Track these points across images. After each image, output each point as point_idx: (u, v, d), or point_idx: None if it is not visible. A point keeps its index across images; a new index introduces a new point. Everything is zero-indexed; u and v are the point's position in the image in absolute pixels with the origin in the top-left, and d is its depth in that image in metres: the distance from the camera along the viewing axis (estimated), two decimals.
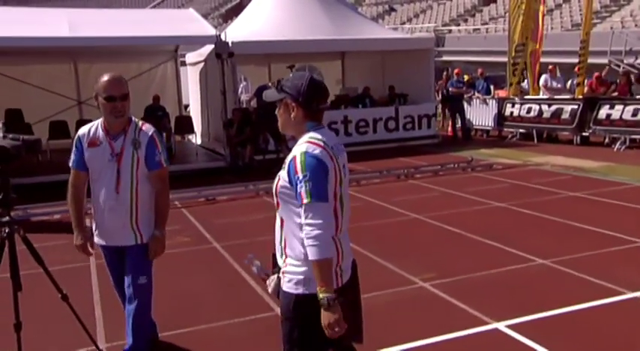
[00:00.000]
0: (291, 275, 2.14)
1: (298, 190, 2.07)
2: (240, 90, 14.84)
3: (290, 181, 2.10)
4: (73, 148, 2.99)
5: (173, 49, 13.50)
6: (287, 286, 2.14)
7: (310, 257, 2.03)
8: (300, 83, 2.17)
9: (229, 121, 10.67)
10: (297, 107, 2.18)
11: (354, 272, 2.31)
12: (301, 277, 2.13)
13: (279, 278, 2.26)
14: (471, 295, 4.29)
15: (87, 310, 4.06)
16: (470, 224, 6.24)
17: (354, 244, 5.59)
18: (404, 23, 32.42)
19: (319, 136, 2.18)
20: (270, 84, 10.96)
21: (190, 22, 10.87)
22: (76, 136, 2.99)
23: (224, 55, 10.33)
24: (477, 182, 8.65)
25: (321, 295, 2.01)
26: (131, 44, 10.60)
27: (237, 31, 12.26)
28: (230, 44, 10.44)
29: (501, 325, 3.76)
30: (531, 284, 4.52)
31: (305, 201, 2.04)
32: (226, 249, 5.69)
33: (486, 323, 3.80)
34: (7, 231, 2.38)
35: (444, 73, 15.89)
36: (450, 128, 14.24)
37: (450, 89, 13.88)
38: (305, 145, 2.13)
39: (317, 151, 2.11)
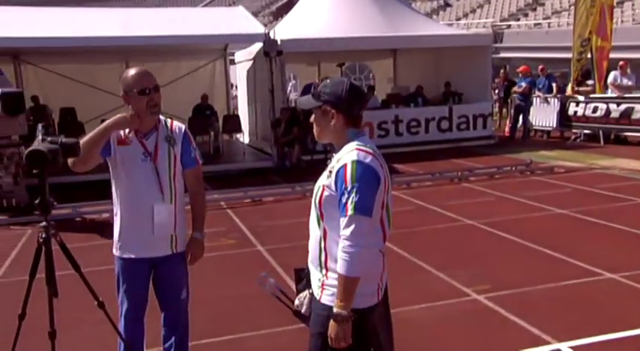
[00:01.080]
0: (334, 289, 2.06)
1: (343, 201, 2.01)
2: (288, 89, 14.88)
3: (337, 191, 2.04)
4: None
5: (222, 47, 13.63)
6: (328, 300, 2.08)
7: (339, 270, 2.00)
8: (340, 89, 2.12)
9: (277, 120, 10.66)
10: (338, 114, 2.12)
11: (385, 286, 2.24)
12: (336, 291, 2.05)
13: (311, 295, 2.17)
14: (530, 310, 4.04)
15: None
16: (528, 232, 5.93)
17: (402, 250, 5.41)
18: (459, 19, 31.68)
19: (367, 144, 2.11)
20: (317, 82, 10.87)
21: (239, 20, 10.94)
22: None
23: (272, 53, 10.34)
24: (537, 186, 8.28)
25: (336, 310, 2.00)
26: (181, 43, 10.74)
27: (286, 29, 12.24)
28: (279, 42, 10.42)
29: (564, 346, 3.50)
30: (598, 301, 4.20)
31: (349, 213, 1.99)
32: (271, 253, 5.63)
33: (547, 343, 3.55)
34: (43, 236, 2.35)
35: (502, 70, 15.35)
36: (507, 128, 13.73)
37: (515, 89, 13.37)
38: (355, 152, 2.06)
39: (369, 159, 2.05)
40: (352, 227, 1.98)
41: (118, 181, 2.77)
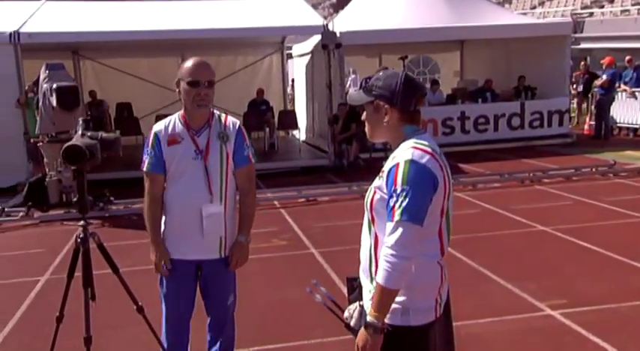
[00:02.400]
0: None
1: (391, 204, 1.88)
2: (348, 83, 14.73)
3: (388, 193, 1.91)
4: (148, 149, 2.68)
5: (279, 40, 13.67)
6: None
7: (377, 278, 1.89)
8: (394, 82, 1.98)
9: (335, 116, 10.56)
10: (392, 109, 1.99)
11: (447, 300, 2.11)
12: (398, 306, 1.94)
13: (362, 307, 2.05)
14: (615, 331, 3.73)
15: None
16: (612, 241, 5.54)
17: (465, 257, 5.16)
18: (534, 7, 30.48)
19: (425, 142, 1.96)
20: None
21: (297, 12, 10.89)
22: (152, 134, 2.68)
23: (331, 45, 10.23)
24: (621, 190, 7.78)
25: (369, 319, 1.90)
26: (237, 36, 10.83)
27: (346, 21, 12.11)
28: (337, 34, 10.30)
29: None
30: None
31: (396, 218, 1.86)
32: (324, 256, 5.52)
33: None
34: (81, 235, 2.33)
35: (582, 62, 14.57)
36: (586, 126, 13.03)
37: (597, 82, 12.66)
38: (410, 151, 1.92)
39: (425, 159, 1.91)
40: (397, 235, 1.85)
41: (170, 180, 2.72)
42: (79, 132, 2.40)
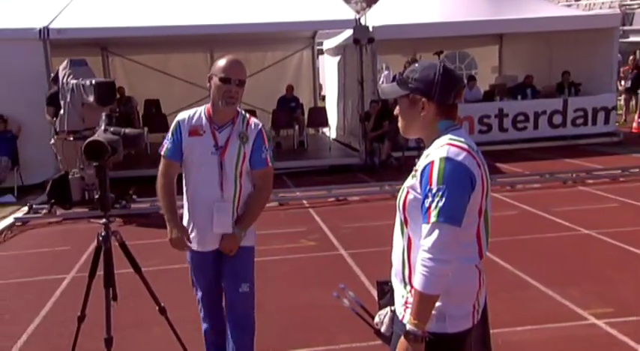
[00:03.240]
0: None
1: (426, 205, 1.81)
2: (380, 80, 14.61)
3: (422, 193, 1.85)
4: (169, 135, 2.83)
5: (310, 35, 13.66)
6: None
7: (415, 284, 1.83)
8: (432, 73, 1.90)
9: (366, 113, 10.49)
10: (429, 103, 1.91)
11: (485, 306, 2.05)
12: (434, 312, 1.87)
13: (393, 312, 2.00)
14: None
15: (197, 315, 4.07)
16: None
17: (503, 261, 5.03)
18: None
19: (461, 139, 1.89)
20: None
21: (329, 6, 10.84)
22: (175, 122, 2.83)
23: (363, 40, 10.15)
24: None
25: (409, 327, 1.84)
26: (267, 30, 10.85)
27: (379, 15, 12.01)
28: (370, 29, 10.22)
29: None
30: None
31: (432, 219, 1.79)
32: (353, 257, 5.47)
33: None
34: (102, 233, 2.33)
35: (631, 57, 14.16)
36: (635, 124, 12.65)
37: None
38: (445, 148, 1.85)
39: (461, 156, 1.83)
40: (434, 237, 1.79)
41: (187, 173, 2.85)
42: (102, 127, 2.40)
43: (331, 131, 13.18)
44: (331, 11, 10.61)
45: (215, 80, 2.71)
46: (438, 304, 1.87)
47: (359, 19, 10.25)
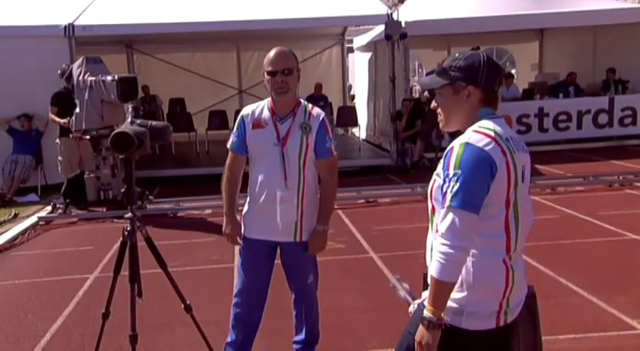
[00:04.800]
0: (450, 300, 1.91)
1: (444, 190, 1.85)
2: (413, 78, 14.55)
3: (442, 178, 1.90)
4: (234, 129, 3.03)
5: (340, 32, 13.69)
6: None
7: (430, 271, 1.87)
8: (477, 60, 1.94)
9: (398, 112, 10.45)
10: (475, 90, 1.94)
11: (531, 307, 2.05)
12: (455, 305, 1.90)
13: (422, 302, 2.00)
14: None
15: (222, 317, 4.10)
16: None
17: (544, 266, 4.94)
18: None
19: (490, 125, 1.90)
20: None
21: (359, 1, 10.85)
22: (239, 117, 3.02)
23: (395, 36, 10.13)
24: None
25: (425, 313, 1.87)
26: (296, 26, 10.91)
27: (412, 10, 11.95)
28: (403, 24, 10.19)
29: None
30: None
31: (447, 204, 1.82)
32: (384, 260, 5.45)
33: None
34: (128, 228, 2.37)
35: None
36: None
37: None
38: (469, 133, 1.89)
39: (483, 142, 1.85)
40: (448, 222, 1.81)
41: (252, 165, 3.02)
42: (129, 119, 2.45)
43: (361, 131, 13.17)
44: (362, 6, 10.62)
45: (265, 74, 2.91)
46: (458, 296, 1.89)
47: (391, 14, 10.23)
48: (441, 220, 1.84)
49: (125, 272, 2.73)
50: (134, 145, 2.30)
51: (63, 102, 7.96)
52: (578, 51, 13.31)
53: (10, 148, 8.95)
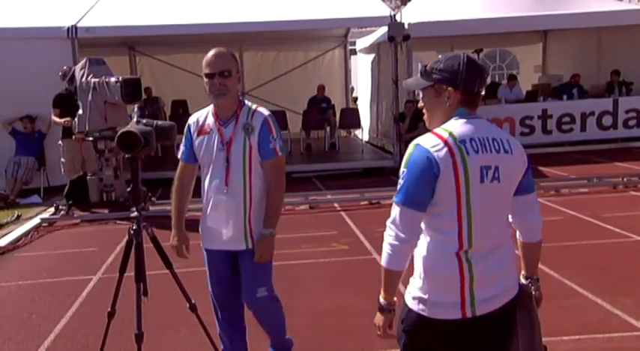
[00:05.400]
0: (410, 286, 2.09)
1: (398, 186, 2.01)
2: None
3: None
4: (183, 139, 2.96)
5: (343, 34, 13.71)
6: (406, 295, 2.11)
7: (381, 261, 2.04)
8: (456, 63, 2.03)
9: (401, 114, 10.47)
10: (455, 92, 2.03)
11: (514, 304, 2.10)
12: (419, 294, 2.05)
13: None
14: None
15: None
16: None
17: (550, 268, 4.94)
18: None
19: (450, 128, 2.00)
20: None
21: (362, 3, 10.88)
22: (187, 125, 2.95)
23: (398, 38, 10.14)
24: None
25: (380, 299, 2.07)
26: (298, 28, 10.93)
27: (415, 11, 11.98)
28: (406, 26, 10.20)
29: None
30: None
31: (394, 199, 1.99)
32: None
33: None
34: (134, 227, 2.38)
35: None
36: None
37: None
38: (426, 135, 2.02)
39: (431, 144, 1.96)
40: (393, 216, 1.98)
41: (202, 173, 2.94)
42: (134, 119, 2.47)
43: (363, 133, 13.18)
44: (365, 8, 10.64)
45: (203, 77, 2.83)
46: (419, 284, 2.04)
47: (394, 15, 10.24)
48: (391, 213, 2.00)
49: (129, 273, 2.75)
50: (140, 145, 2.31)
51: (65, 104, 7.98)
52: (582, 53, 13.31)
53: (13, 149, 8.98)
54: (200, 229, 2.96)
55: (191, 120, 2.96)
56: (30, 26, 9.17)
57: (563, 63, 13.59)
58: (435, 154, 1.93)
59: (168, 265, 2.50)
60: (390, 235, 1.98)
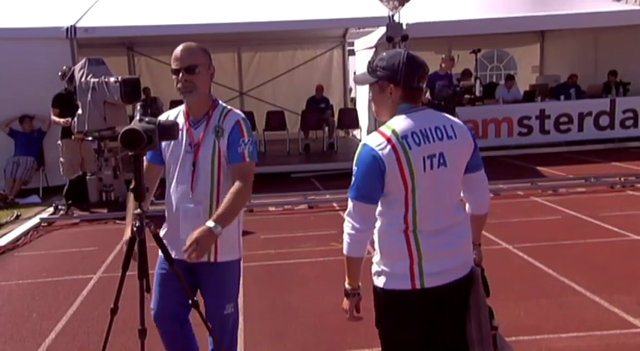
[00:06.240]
0: (373, 264, 2.30)
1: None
2: None
3: None
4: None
5: (341, 34, 13.74)
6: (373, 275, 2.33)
7: (343, 250, 2.23)
8: (396, 60, 2.19)
9: None
10: (396, 88, 2.20)
11: (467, 283, 2.29)
12: (376, 268, 2.28)
13: None
14: None
15: None
16: None
17: (547, 267, 4.96)
18: None
19: (394, 124, 2.18)
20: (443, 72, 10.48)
21: (360, 3, 10.91)
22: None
23: (397, 38, 10.15)
24: None
25: (345, 285, 2.28)
26: (297, 28, 10.96)
27: (413, 12, 12.01)
28: (404, 26, 10.23)
29: None
30: None
31: (349, 194, 2.18)
32: None
33: None
34: (137, 224, 2.40)
35: None
36: None
37: None
38: (373, 134, 2.19)
39: (376, 142, 2.14)
40: (348, 209, 2.19)
41: (166, 175, 2.75)
42: (137, 117, 2.48)
43: (362, 133, 13.20)
44: (363, 8, 10.67)
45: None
46: (376, 259, 2.26)
47: (392, 16, 10.27)
48: (348, 207, 2.19)
49: (130, 272, 2.76)
50: (144, 142, 2.33)
51: (64, 103, 8.00)
52: (579, 53, 13.36)
53: (12, 149, 8.99)
54: (163, 238, 2.66)
55: (161, 118, 2.72)
56: (29, 26, 9.17)
57: (561, 63, 13.64)
58: (380, 152, 2.12)
59: (170, 261, 2.52)
60: (347, 226, 2.18)
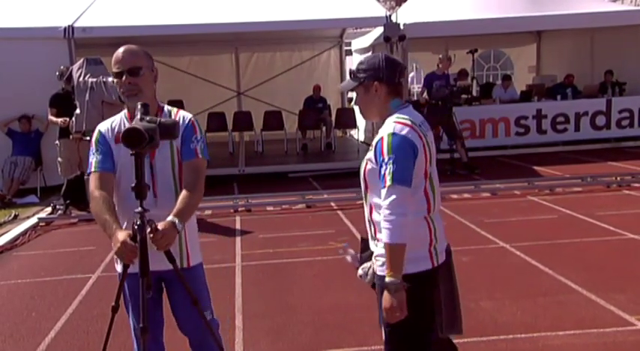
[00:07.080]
0: (383, 258, 2.30)
1: (382, 172, 2.27)
2: (409, 80, 14.65)
3: (377, 164, 2.32)
4: (93, 149, 2.60)
5: (338, 34, 13.77)
6: (380, 270, 2.34)
7: (383, 239, 2.26)
8: (377, 60, 2.39)
9: None
10: (380, 85, 2.37)
11: (449, 258, 2.49)
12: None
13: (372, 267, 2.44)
14: None
15: (225, 316, 4.16)
16: None
17: (545, 266, 5.01)
18: None
19: (406, 116, 2.35)
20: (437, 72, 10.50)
21: (357, 3, 10.94)
22: (97, 133, 2.62)
23: (394, 38, 10.17)
24: None
25: (387, 279, 2.26)
26: (294, 28, 10.98)
27: (410, 12, 12.05)
28: (401, 26, 10.27)
29: None
30: None
31: (387, 183, 2.24)
32: None
33: None
34: (138, 222, 2.42)
35: None
36: None
37: None
38: (392, 125, 2.32)
39: (405, 130, 2.30)
40: (392, 197, 2.23)
41: (115, 187, 2.59)
42: (138, 116, 2.50)
43: (359, 133, 13.22)
44: (360, 8, 10.70)
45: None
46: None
47: (389, 16, 10.30)
48: (385, 197, 2.24)
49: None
50: (145, 141, 2.34)
51: (62, 103, 8.01)
52: (576, 53, 13.41)
53: (10, 149, 9.00)
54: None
55: (103, 127, 2.62)
56: (26, 26, 9.17)
57: (557, 63, 13.69)
58: (412, 137, 2.29)
59: (171, 260, 2.54)
60: (391, 213, 2.22)
